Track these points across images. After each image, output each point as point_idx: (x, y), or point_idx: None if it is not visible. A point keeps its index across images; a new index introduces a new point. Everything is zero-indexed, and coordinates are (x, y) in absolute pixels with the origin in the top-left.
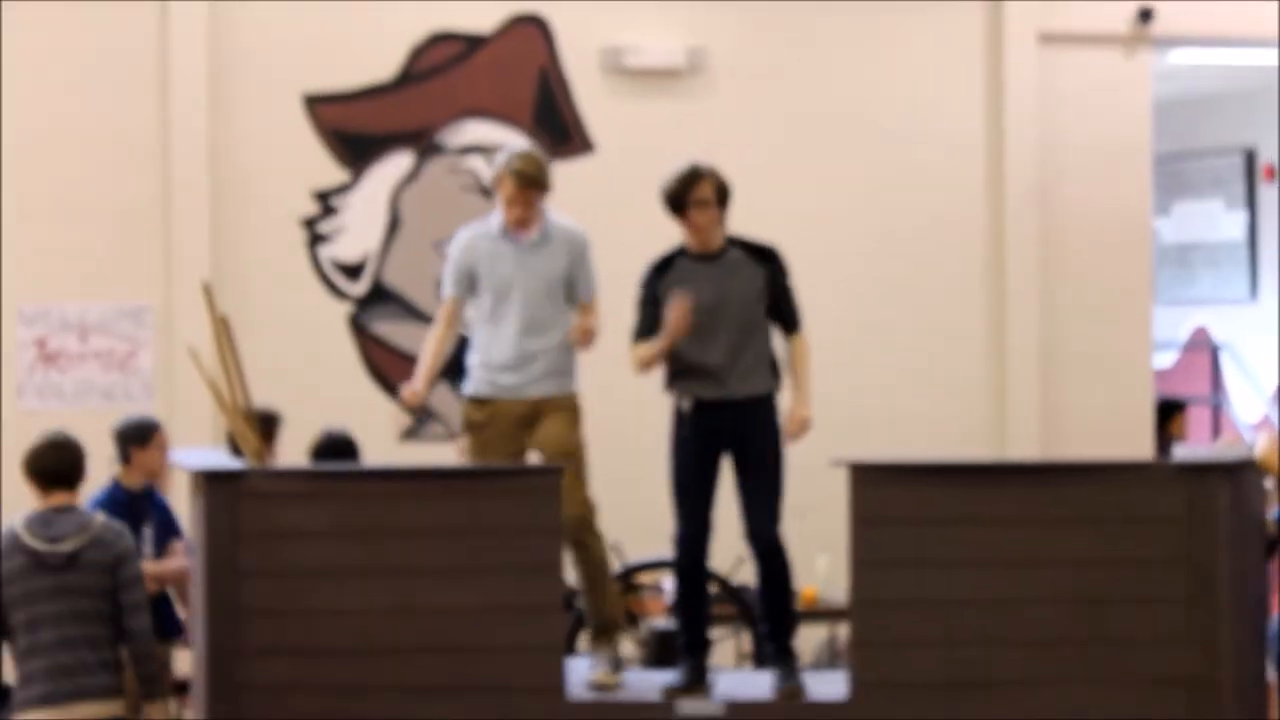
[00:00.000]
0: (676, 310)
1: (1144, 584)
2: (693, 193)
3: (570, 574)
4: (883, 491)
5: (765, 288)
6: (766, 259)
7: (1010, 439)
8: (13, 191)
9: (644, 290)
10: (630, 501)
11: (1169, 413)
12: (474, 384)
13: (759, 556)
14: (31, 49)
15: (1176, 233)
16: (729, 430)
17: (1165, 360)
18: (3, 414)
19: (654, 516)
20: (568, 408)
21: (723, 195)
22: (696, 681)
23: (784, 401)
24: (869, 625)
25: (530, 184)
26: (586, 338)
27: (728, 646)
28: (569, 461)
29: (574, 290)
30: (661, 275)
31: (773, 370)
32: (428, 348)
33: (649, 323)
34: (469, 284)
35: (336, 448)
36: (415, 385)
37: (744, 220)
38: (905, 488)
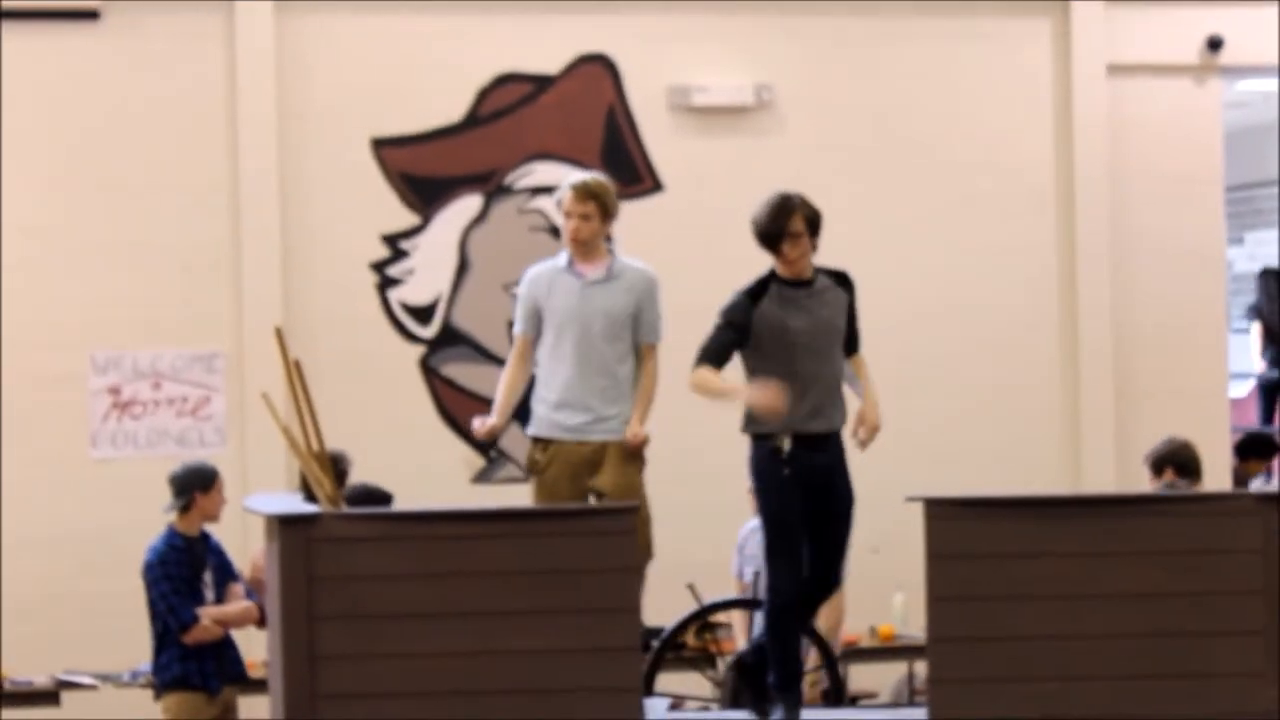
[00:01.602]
0: (772, 400)
1: (1222, 616)
2: (786, 226)
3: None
4: (958, 526)
5: (845, 313)
6: (846, 284)
7: (1085, 471)
8: (83, 239)
9: (731, 313)
10: (701, 539)
11: (1259, 451)
12: (536, 424)
13: (821, 598)
14: (101, 96)
15: (1250, 262)
16: (823, 466)
17: (1240, 390)
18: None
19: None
20: (630, 452)
21: (814, 224)
22: (796, 717)
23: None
24: (947, 662)
25: (588, 195)
26: (637, 441)
27: (804, 685)
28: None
29: (639, 331)
30: (755, 302)
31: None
32: (501, 384)
33: (724, 348)
34: (537, 319)
35: (373, 501)
36: (489, 419)
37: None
38: (981, 522)
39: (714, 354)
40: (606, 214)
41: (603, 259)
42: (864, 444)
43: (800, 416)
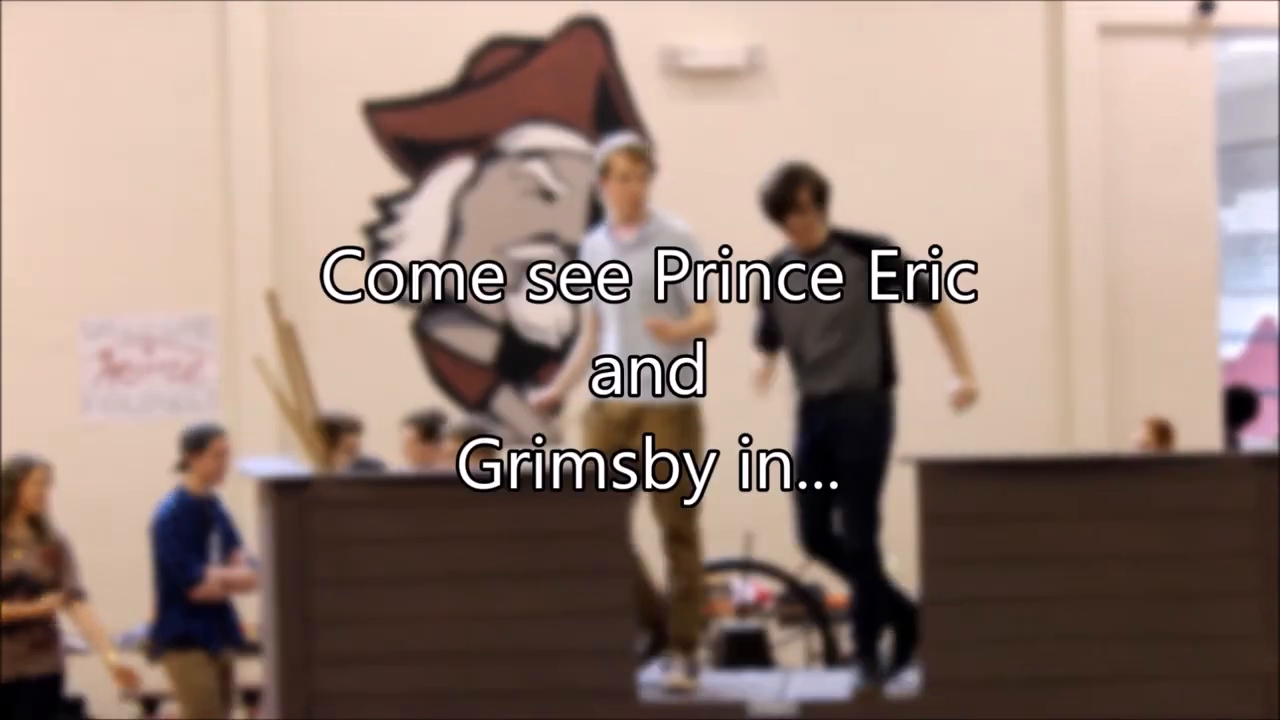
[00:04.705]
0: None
1: (1215, 578)
2: (794, 197)
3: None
4: (951, 488)
5: (863, 278)
6: (866, 251)
7: (1078, 433)
8: (74, 203)
9: (754, 291)
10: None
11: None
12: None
13: (849, 562)
14: (91, 60)
15: (1241, 223)
16: (823, 424)
17: (1232, 351)
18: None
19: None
20: (670, 417)
21: (820, 194)
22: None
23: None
24: (940, 623)
25: (642, 156)
26: (661, 331)
27: (798, 647)
28: (664, 471)
29: (681, 293)
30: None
31: (882, 370)
32: (573, 352)
33: (759, 324)
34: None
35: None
36: (547, 392)
37: None
38: (974, 484)
39: (754, 333)
40: (654, 169)
41: (640, 221)
42: (959, 409)
43: (800, 379)
